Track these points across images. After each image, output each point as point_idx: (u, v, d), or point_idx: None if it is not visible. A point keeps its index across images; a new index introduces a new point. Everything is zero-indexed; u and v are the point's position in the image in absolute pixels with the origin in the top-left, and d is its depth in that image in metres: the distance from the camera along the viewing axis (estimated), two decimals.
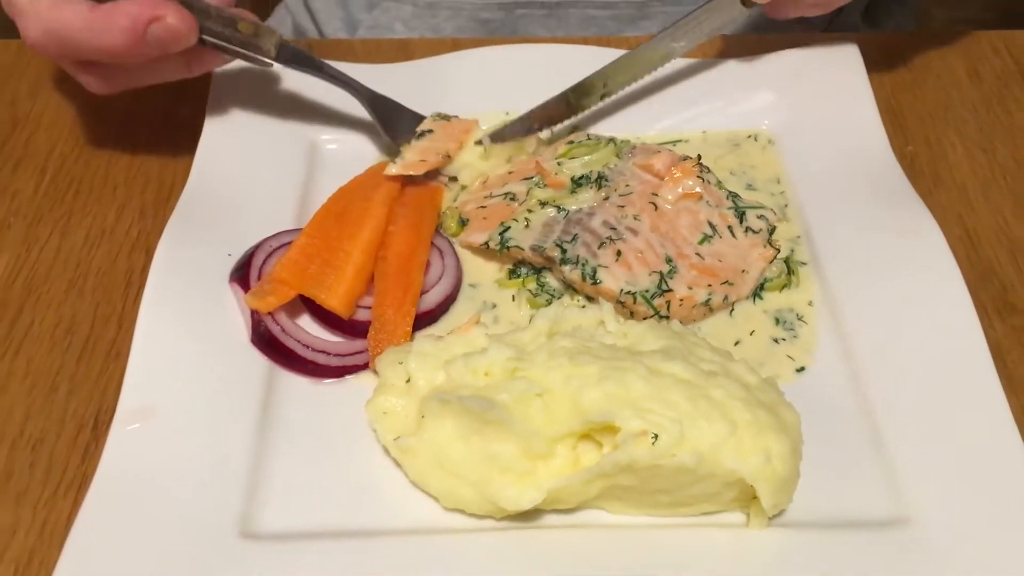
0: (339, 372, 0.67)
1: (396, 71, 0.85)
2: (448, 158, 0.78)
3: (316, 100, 0.83)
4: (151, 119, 0.85)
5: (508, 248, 0.73)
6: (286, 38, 1.23)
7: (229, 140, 0.79)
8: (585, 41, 0.90)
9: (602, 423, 0.57)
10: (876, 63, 0.87)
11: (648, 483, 0.56)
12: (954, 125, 0.83)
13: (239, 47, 0.75)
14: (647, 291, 0.69)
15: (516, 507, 0.57)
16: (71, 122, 0.85)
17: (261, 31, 0.76)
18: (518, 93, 0.83)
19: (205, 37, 0.73)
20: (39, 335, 0.70)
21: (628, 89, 0.84)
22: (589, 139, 0.78)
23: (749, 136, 0.82)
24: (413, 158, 0.77)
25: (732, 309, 0.71)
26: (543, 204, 0.75)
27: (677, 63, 0.86)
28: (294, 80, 0.83)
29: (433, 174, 0.80)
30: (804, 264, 0.73)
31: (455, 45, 0.89)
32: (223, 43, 0.74)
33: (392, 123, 0.80)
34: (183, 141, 0.83)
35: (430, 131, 0.79)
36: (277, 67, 0.83)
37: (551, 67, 0.85)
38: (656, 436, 0.55)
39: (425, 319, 0.70)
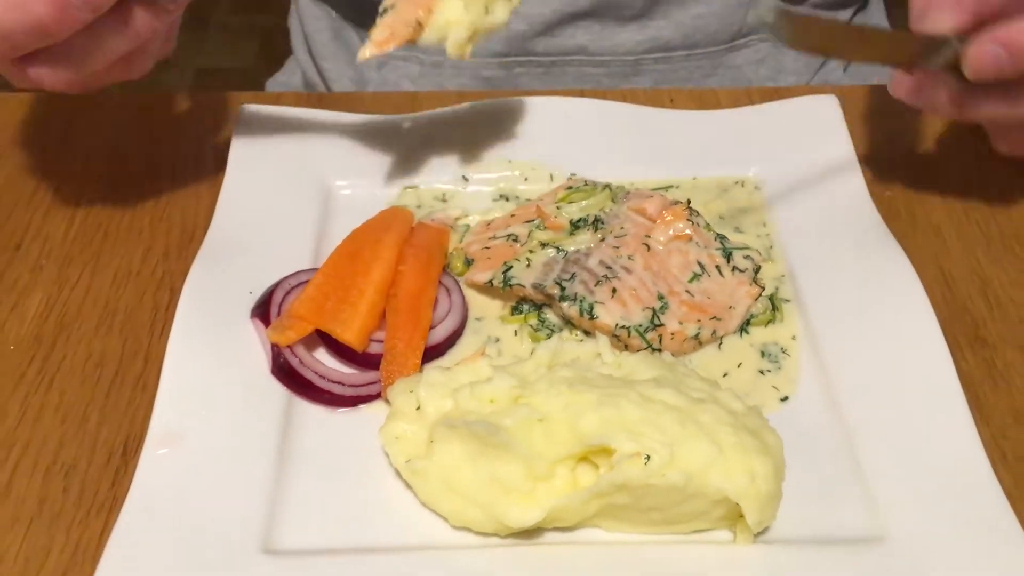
0: (353, 401, 0.70)
1: (405, 121, 0.88)
2: (420, 26, 0.75)
3: (331, 149, 0.86)
4: (173, 168, 0.88)
5: (511, 286, 0.75)
6: (296, 90, 1.27)
7: (249, 187, 0.82)
8: (582, 93, 0.93)
9: (599, 446, 0.60)
10: (857, 114, 0.90)
11: (641, 501, 0.59)
12: (930, 171, 0.86)
13: None
14: (640, 326, 0.72)
15: (519, 525, 0.60)
16: (99, 169, 0.89)
17: None
18: (518, 141, 0.87)
19: None
20: (71, 369, 0.73)
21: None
22: (586, 185, 0.81)
23: (737, 182, 0.85)
24: (381, 35, 0.75)
25: (720, 343, 0.74)
26: (543, 245, 0.78)
27: (669, 116, 0.89)
28: (310, 131, 0.87)
29: (440, 216, 0.83)
30: (788, 301, 0.76)
31: (460, 98, 0.93)
32: None
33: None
34: (203, 188, 0.86)
35: (392, 6, 0.77)
36: (293, 125, 0.87)
37: (549, 117, 0.89)
38: (648, 457, 0.58)
39: (433, 352, 0.73)
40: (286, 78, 1.29)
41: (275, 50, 1.27)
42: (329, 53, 1.17)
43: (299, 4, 1.20)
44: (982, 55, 0.69)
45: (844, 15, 1.15)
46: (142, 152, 0.90)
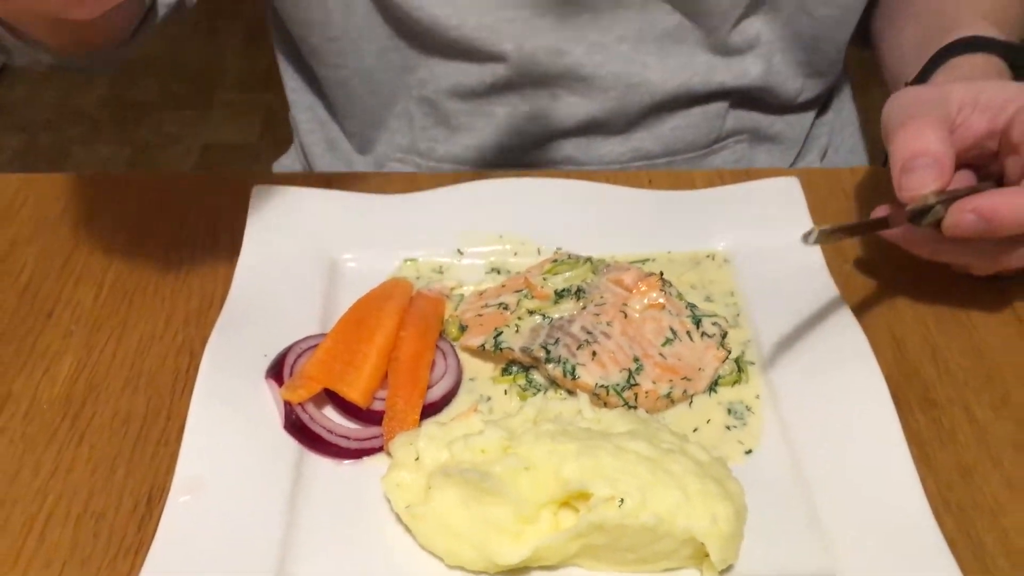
0: (358, 454, 0.74)
1: (405, 200, 0.94)
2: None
3: (337, 225, 0.91)
4: (192, 242, 0.94)
5: (501, 350, 0.80)
6: (295, 171, 1.29)
7: (263, 260, 0.87)
8: (567, 175, 0.99)
9: (578, 491, 0.65)
10: (817, 193, 0.96)
11: (617, 542, 0.65)
12: (884, 247, 0.90)
13: None
14: (618, 385, 0.76)
15: (508, 562, 0.65)
16: (124, 243, 0.94)
17: None
18: (509, 218, 0.92)
19: None
20: (100, 425, 0.77)
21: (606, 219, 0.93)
22: (570, 258, 0.86)
23: (707, 256, 0.91)
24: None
25: (691, 401, 0.79)
26: (531, 313, 0.82)
27: (647, 195, 0.95)
28: (318, 209, 0.92)
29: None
30: (752, 364, 0.81)
31: (455, 179, 0.98)
32: None
33: None
34: (220, 260, 0.91)
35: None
36: (302, 203, 0.92)
37: (538, 196, 0.94)
38: (622, 500, 0.64)
39: (431, 409, 0.77)
40: (290, 162, 1.34)
41: (278, 126, 1.32)
42: (325, 164, 1.23)
43: (296, 119, 1.25)
44: (962, 221, 0.77)
45: (808, 117, 1.21)
46: (164, 227, 0.96)
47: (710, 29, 1.07)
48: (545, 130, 1.12)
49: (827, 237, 0.72)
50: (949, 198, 0.77)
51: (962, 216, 0.76)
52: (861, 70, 1.33)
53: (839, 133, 1.28)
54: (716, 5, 1.05)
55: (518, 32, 1.05)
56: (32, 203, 1.00)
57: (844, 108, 1.30)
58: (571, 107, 1.10)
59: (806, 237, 0.70)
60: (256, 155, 3.26)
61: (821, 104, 1.23)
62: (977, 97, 0.82)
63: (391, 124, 1.17)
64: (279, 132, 1.30)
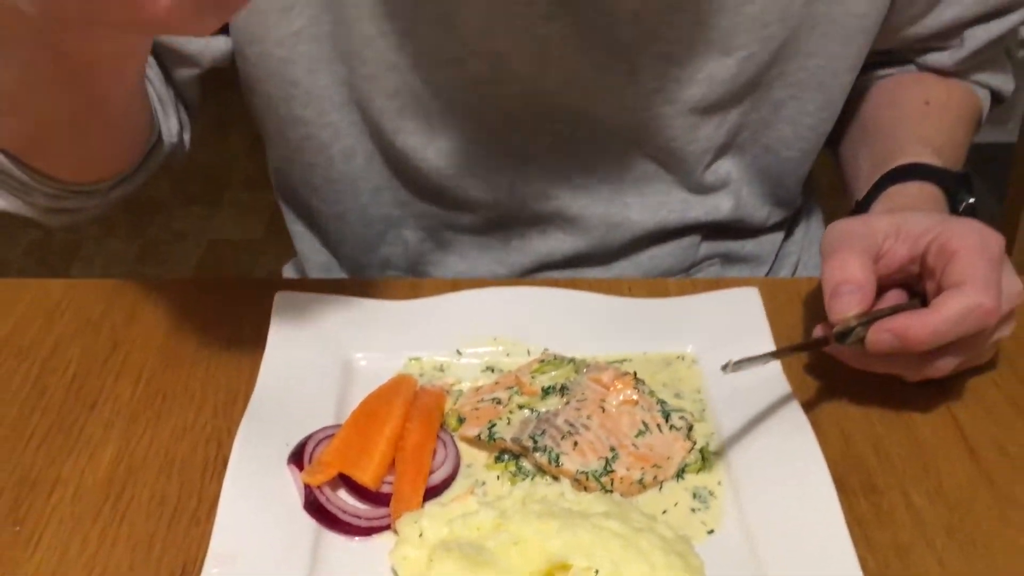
0: (369, 531, 0.81)
1: (410, 305, 1.03)
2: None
3: (350, 327, 1.00)
4: (220, 342, 1.02)
5: (495, 439, 0.87)
6: (294, 277, 1.34)
7: (284, 360, 0.95)
8: (555, 283, 1.07)
9: (560, 562, 0.73)
10: (776, 302, 1.05)
11: None
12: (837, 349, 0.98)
13: None
14: (596, 471, 0.84)
15: None
16: (159, 343, 1.03)
17: None
18: (503, 323, 1.00)
19: None
20: (138, 507, 0.84)
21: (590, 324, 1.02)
22: (556, 359, 0.94)
23: (678, 357, 0.99)
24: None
25: (660, 486, 0.86)
26: (521, 407, 0.90)
27: (626, 302, 1.05)
28: (333, 313, 1.01)
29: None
30: (715, 453, 0.89)
31: (455, 286, 1.07)
32: None
33: None
34: (244, 358, 0.99)
35: None
36: (319, 308, 1.01)
37: (528, 303, 1.03)
38: (597, 571, 0.72)
39: (433, 492, 0.83)
40: (296, 270, 1.42)
41: (281, 225, 1.38)
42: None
43: (294, 244, 1.33)
44: (880, 340, 0.86)
45: (777, 238, 1.30)
46: (193, 328, 1.04)
47: (684, 173, 1.17)
48: (534, 262, 1.22)
49: (742, 367, 0.82)
50: (869, 320, 0.88)
51: (880, 335, 0.87)
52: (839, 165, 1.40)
53: (807, 250, 1.37)
54: (688, 155, 1.15)
55: (509, 180, 1.15)
56: (74, 306, 1.09)
57: (812, 226, 1.39)
58: (559, 242, 1.20)
59: (724, 368, 0.80)
60: (260, 251, 3.38)
61: (789, 225, 1.33)
62: (900, 228, 0.93)
63: (383, 251, 1.25)
64: (282, 230, 1.38)
